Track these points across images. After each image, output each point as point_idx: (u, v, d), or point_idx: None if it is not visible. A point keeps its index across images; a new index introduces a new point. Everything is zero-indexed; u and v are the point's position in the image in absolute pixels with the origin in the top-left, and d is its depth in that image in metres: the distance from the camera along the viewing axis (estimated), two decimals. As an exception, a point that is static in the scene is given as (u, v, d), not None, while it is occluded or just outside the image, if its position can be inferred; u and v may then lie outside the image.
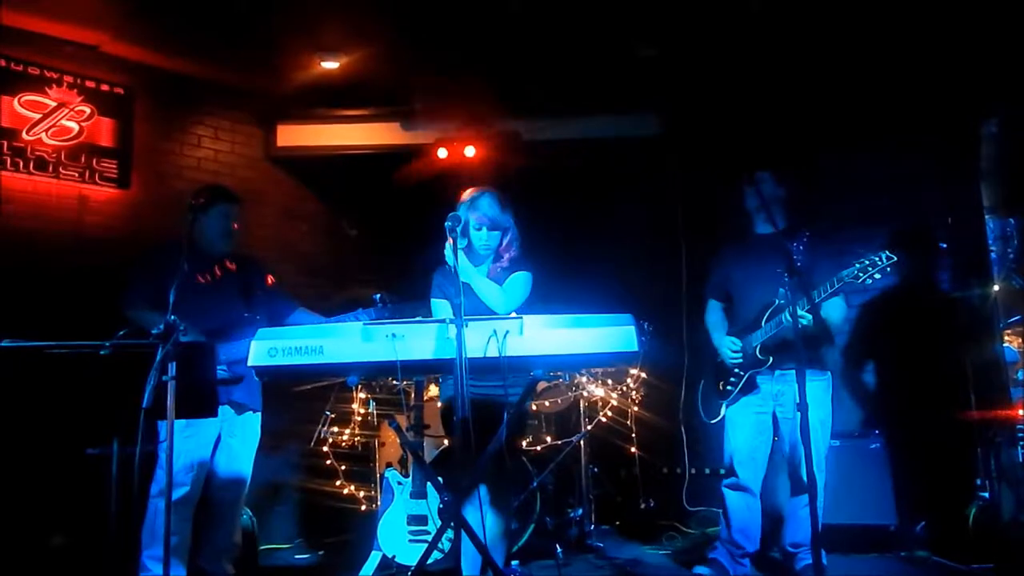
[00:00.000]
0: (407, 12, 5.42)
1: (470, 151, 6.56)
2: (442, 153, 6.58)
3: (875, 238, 5.70)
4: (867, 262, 3.98)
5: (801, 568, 4.38)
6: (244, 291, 4.42)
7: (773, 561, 4.75)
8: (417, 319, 3.51)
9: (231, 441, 4.30)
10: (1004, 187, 5.49)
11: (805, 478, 4.06)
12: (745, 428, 4.49)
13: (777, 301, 4.29)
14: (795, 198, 4.59)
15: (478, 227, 3.97)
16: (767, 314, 4.35)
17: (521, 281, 4.03)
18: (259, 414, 4.43)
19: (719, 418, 4.60)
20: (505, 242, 4.05)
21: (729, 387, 4.53)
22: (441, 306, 4.02)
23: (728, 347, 4.52)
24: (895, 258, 3.98)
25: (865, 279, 3.98)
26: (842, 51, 5.64)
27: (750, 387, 4.46)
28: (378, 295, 4.26)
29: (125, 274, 4.29)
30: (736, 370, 4.50)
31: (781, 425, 4.47)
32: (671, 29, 5.58)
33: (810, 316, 4.03)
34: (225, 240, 4.41)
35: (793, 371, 4.20)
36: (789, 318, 3.96)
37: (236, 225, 4.44)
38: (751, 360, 4.43)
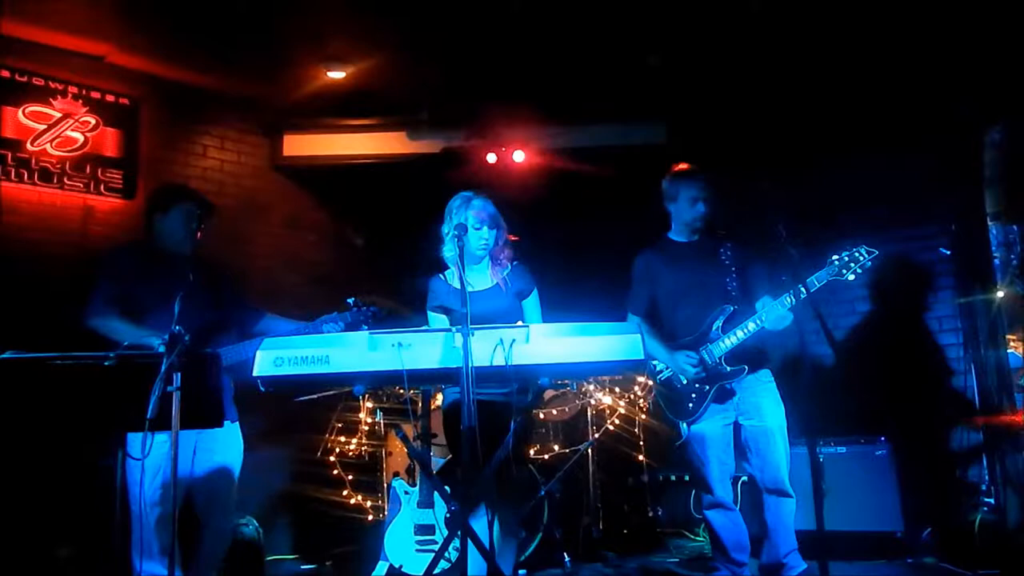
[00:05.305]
0: (413, 22, 5.44)
1: (519, 156, 6.61)
2: (491, 158, 6.58)
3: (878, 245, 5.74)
4: (847, 258, 4.04)
5: None
6: (214, 297, 4.22)
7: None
8: (424, 328, 3.50)
9: (212, 454, 4.10)
10: (1007, 194, 5.50)
11: (786, 482, 4.12)
12: (715, 443, 4.23)
13: (730, 307, 4.20)
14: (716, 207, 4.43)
15: (478, 226, 3.93)
16: (720, 323, 4.20)
17: (536, 302, 4.09)
18: (237, 424, 4.22)
19: (683, 440, 4.32)
20: (501, 243, 4.05)
21: (691, 404, 4.24)
22: (438, 319, 3.98)
23: (686, 363, 4.21)
24: (876, 252, 4.03)
25: (847, 274, 4.03)
26: (846, 60, 5.65)
27: (720, 398, 4.20)
28: (352, 299, 4.16)
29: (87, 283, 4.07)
30: (697, 385, 4.24)
31: (747, 432, 4.23)
32: (676, 38, 5.59)
33: (791, 315, 4.02)
34: (186, 242, 4.21)
35: (751, 376, 4.19)
36: (759, 323, 4.07)
37: (200, 226, 4.25)
38: (715, 372, 4.19)
